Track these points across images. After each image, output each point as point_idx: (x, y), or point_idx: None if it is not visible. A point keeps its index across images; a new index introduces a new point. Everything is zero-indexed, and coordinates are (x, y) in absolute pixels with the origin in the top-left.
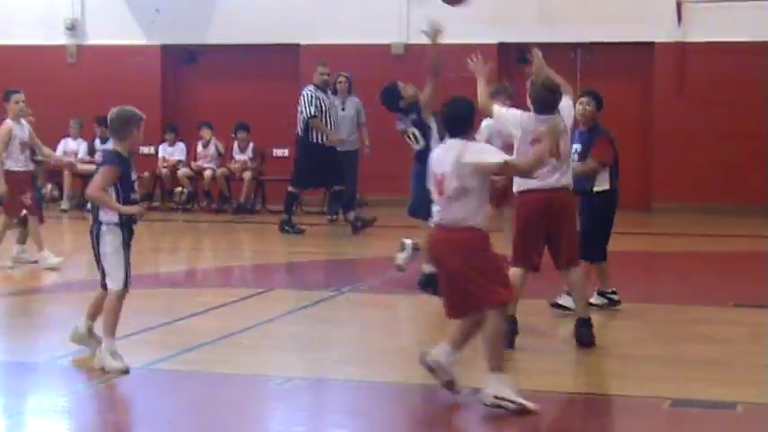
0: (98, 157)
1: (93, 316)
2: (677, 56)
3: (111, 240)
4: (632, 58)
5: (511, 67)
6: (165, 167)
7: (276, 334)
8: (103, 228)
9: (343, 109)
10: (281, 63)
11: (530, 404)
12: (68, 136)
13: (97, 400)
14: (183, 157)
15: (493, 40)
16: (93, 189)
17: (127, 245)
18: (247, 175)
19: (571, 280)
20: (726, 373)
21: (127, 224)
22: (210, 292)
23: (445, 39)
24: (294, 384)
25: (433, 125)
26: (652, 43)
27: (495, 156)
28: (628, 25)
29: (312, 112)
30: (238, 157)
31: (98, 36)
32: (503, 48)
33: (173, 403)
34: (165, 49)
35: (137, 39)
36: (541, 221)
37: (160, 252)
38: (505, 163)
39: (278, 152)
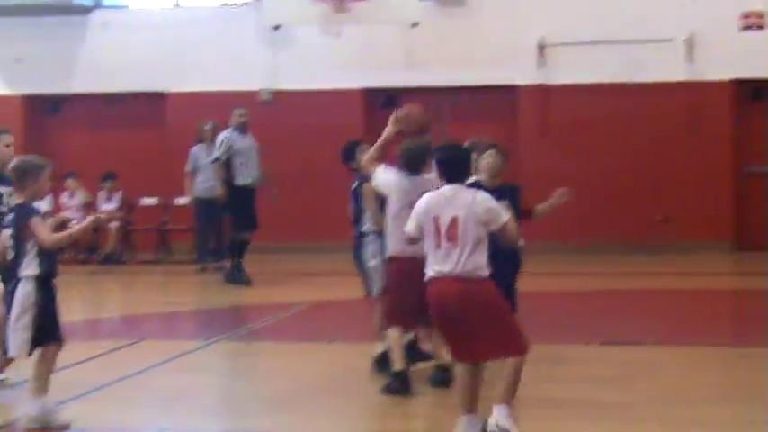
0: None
1: None
2: (540, 98)
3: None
4: (497, 102)
5: (376, 113)
6: None
7: (147, 386)
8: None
9: (209, 156)
10: (147, 111)
11: None
12: None
13: None
14: (48, 208)
15: (358, 85)
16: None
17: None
18: (114, 225)
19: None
20: (597, 410)
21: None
22: (80, 344)
23: (312, 84)
24: None
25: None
26: (515, 86)
27: (505, 213)
28: (492, 69)
29: (217, 156)
30: (105, 206)
31: None
32: (369, 93)
33: None
34: (28, 100)
35: None
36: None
37: None
38: (508, 222)
39: (146, 201)
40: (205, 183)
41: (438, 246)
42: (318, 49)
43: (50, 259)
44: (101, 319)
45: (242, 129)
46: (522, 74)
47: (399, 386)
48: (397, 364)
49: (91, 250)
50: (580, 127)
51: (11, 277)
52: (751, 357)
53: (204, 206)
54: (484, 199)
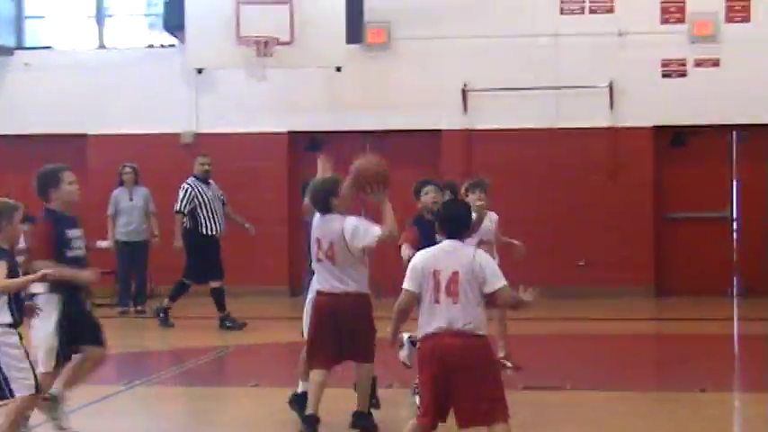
0: None
1: None
2: (463, 142)
3: None
4: (421, 146)
5: (301, 156)
6: None
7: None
8: None
9: (131, 199)
10: (68, 153)
11: None
12: None
13: None
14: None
15: (283, 128)
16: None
17: None
18: None
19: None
20: None
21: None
22: None
23: (236, 127)
24: None
25: None
26: (439, 131)
27: (500, 279)
28: (416, 113)
29: (180, 208)
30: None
31: None
32: (293, 136)
33: None
34: None
35: None
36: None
37: None
38: (501, 289)
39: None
40: (127, 226)
41: (437, 300)
42: (243, 93)
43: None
44: None
45: (205, 178)
46: (446, 118)
47: (308, 430)
48: (310, 407)
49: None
50: (503, 171)
51: None
52: (669, 402)
53: (126, 249)
54: (483, 258)
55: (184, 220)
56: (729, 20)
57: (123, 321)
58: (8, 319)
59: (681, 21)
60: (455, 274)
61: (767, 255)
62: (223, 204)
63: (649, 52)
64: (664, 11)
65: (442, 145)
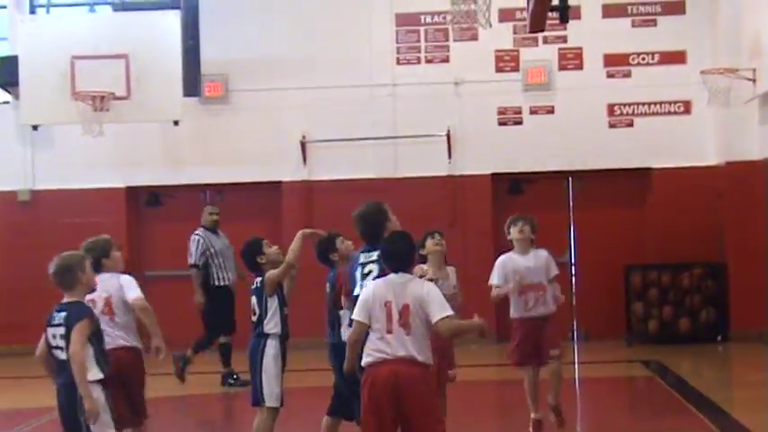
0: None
1: None
2: (304, 193)
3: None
4: (262, 198)
5: (141, 210)
6: None
7: None
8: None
9: None
10: None
11: None
12: None
13: None
14: None
15: (121, 183)
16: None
17: None
18: None
19: None
20: None
21: None
22: None
23: (73, 184)
24: None
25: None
26: (279, 183)
27: (446, 309)
28: (256, 165)
29: (194, 262)
30: None
31: None
32: (131, 191)
33: None
34: None
35: None
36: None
37: None
38: (443, 320)
39: None
40: None
41: (389, 331)
42: (79, 148)
43: None
44: None
45: (214, 228)
46: (286, 170)
47: None
48: None
49: None
50: (344, 222)
51: None
52: None
53: None
54: (432, 290)
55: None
56: (562, 67)
57: None
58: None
59: (515, 69)
60: (406, 306)
61: (607, 298)
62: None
63: (485, 100)
64: (498, 59)
65: (283, 197)
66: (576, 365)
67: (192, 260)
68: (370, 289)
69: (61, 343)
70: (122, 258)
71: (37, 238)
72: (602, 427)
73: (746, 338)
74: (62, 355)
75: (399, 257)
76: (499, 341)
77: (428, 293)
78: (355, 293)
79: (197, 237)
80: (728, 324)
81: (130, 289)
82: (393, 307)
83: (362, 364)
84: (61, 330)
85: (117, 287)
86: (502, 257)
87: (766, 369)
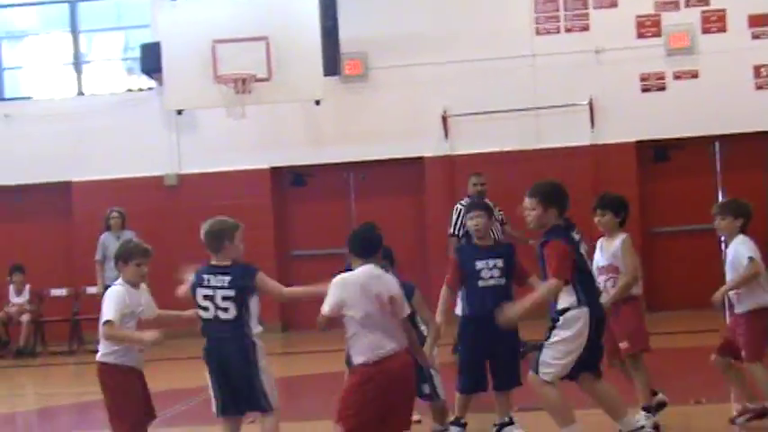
0: None
1: None
2: (446, 168)
3: None
4: (404, 174)
5: (286, 191)
6: None
7: None
8: None
9: (118, 240)
10: (53, 201)
11: None
12: None
13: None
14: None
15: (265, 164)
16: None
17: None
18: (25, 317)
19: None
20: None
21: None
22: None
23: (218, 167)
24: None
25: None
26: (422, 158)
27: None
28: (397, 142)
29: (451, 231)
30: (15, 300)
31: None
32: (275, 171)
33: None
34: None
35: None
36: None
37: None
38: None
39: (55, 292)
40: (115, 270)
41: (386, 323)
42: (223, 131)
43: None
44: (15, 414)
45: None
46: (428, 145)
47: None
48: None
49: (3, 345)
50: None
51: None
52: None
53: None
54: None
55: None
56: (705, 30)
57: None
58: None
59: (657, 34)
60: (392, 297)
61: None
62: None
63: (627, 67)
64: (639, 25)
65: (426, 172)
66: None
67: (450, 229)
68: (354, 281)
69: (226, 304)
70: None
71: (184, 221)
72: None
73: None
74: (225, 315)
75: (368, 246)
76: None
77: (398, 288)
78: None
79: (459, 207)
80: None
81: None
82: (383, 298)
83: (362, 361)
84: (229, 293)
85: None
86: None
87: None
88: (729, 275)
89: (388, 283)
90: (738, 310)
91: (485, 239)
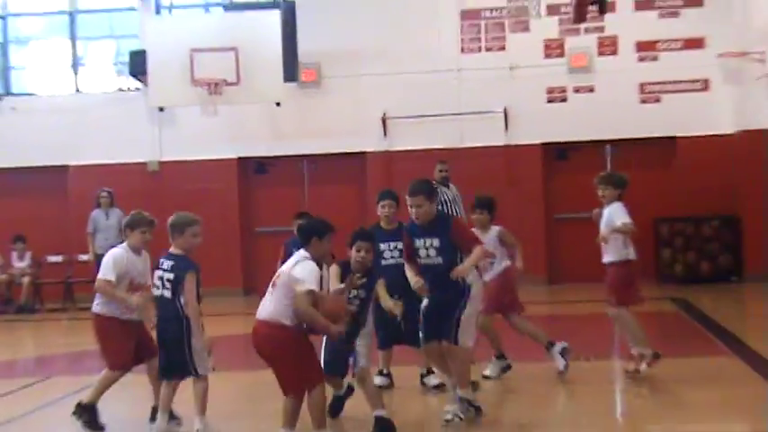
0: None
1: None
2: (384, 162)
3: None
4: (349, 165)
5: (249, 178)
6: None
7: (54, 417)
8: None
9: (107, 219)
10: (52, 182)
11: None
12: None
13: None
14: None
15: (233, 155)
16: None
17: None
18: (26, 280)
19: None
20: None
21: None
22: None
23: (194, 156)
24: None
25: None
26: (364, 153)
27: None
28: (344, 139)
29: None
30: (17, 264)
31: None
32: (241, 161)
33: None
34: None
35: None
36: None
37: None
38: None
39: (52, 259)
40: (104, 241)
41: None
42: (198, 126)
43: None
44: (16, 360)
45: (445, 182)
46: (370, 142)
47: None
48: None
49: (6, 302)
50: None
51: None
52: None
53: None
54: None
55: None
56: (600, 53)
57: None
58: None
59: (561, 55)
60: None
61: (639, 246)
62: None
63: (536, 82)
64: (546, 47)
65: (367, 165)
66: None
67: None
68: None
69: (167, 285)
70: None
71: (164, 201)
72: None
73: (757, 279)
74: (166, 294)
75: (305, 235)
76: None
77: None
78: None
79: None
80: (742, 267)
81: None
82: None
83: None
84: (169, 276)
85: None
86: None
87: None
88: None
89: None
90: (605, 260)
91: (392, 224)
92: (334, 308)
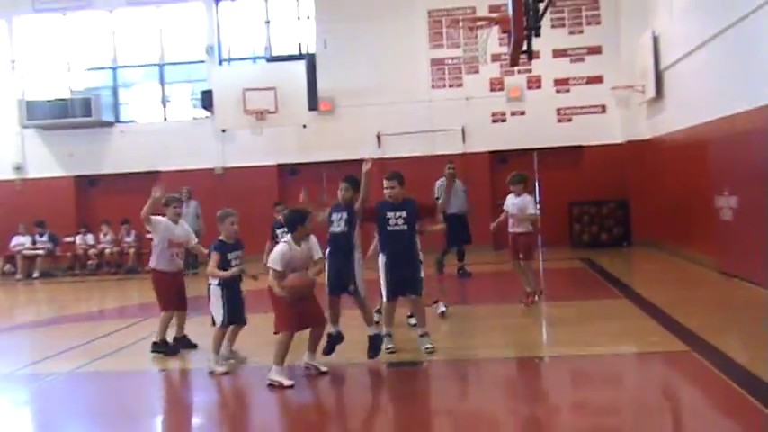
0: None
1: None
2: (379, 166)
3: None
4: (355, 169)
5: (285, 178)
6: (81, 249)
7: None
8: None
9: (187, 208)
10: (148, 182)
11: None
12: (18, 233)
13: (48, 394)
14: (92, 242)
15: (273, 162)
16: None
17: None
18: (132, 250)
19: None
20: None
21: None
22: (112, 321)
23: (246, 163)
24: (165, 373)
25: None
26: (364, 159)
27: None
28: (351, 150)
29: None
30: (126, 239)
31: (35, 172)
32: (280, 167)
33: (95, 392)
34: (76, 179)
35: (55, 173)
36: None
37: (80, 301)
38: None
39: (149, 235)
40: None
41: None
42: (249, 142)
43: None
44: (125, 306)
45: (453, 177)
46: (369, 152)
47: None
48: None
49: (118, 266)
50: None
51: None
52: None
53: None
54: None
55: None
56: (529, 87)
57: (186, 280)
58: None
59: (501, 89)
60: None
61: (559, 222)
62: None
63: (484, 108)
64: (491, 83)
65: None
66: (541, 261)
67: (435, 196)
68: (287, 250)
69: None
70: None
71: (226, 195)
72: (558, 292)
73: (641, 245)
74: None
75: (292, 224)
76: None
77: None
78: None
79: (440, 183)
80: (630, 236)
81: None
82: (299, 264)
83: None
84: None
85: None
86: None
87: (652, 262)
88: (516, 213)
89: None
90: (517, 230)
91: (396, 199)
92: (295, 281)
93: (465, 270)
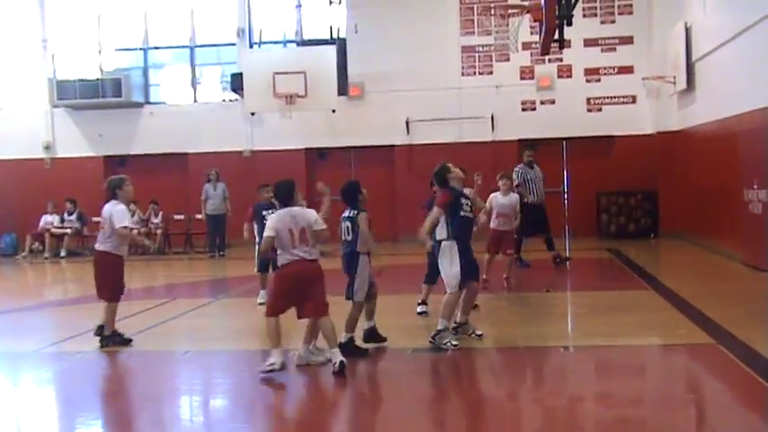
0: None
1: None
2: (408, 152)
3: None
4: (383, 154)
5: (314, 162)
6: None
7: (178, 326)
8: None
9: (215, 190)
10: (177, 164)
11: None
12: (47, 212)
13: (72, 374)
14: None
15: (302, 146)
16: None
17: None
18: (160, 231)
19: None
20: None
21: None
22: (139, 301)
23: (275, 146)
24: (191, 354)
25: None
26: (393, 145)
27: (320, 222)
28: (380, 135)
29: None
30: (153, 221)
31: (64, 152)
32: (308, 150)
33: (121, 372)
34: (106, 159)
35: (85, 152)
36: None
37: None
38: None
39: (177, 216)
40: (212, 206)
41: (293, 245)
42: (278, 126)
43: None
44: (153, 287)
45: (531, 164)
46: (397, 138)
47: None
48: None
49: (146, 247)
50: (432, 168)
51: None
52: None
53: (212, 220)
54: (311, 213)
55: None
56: (560, 76)
57: (211, 262)
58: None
59: (532, 78)
60: (303, 229)
61: (587, 212)
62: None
63: (514, 96)
64: (522, 72)
65: (395, 153)
66: (568, 251)
67: (516, 181)
68: (277, 217)
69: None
70: (132, 191)
71: (254, 178)
72: (584, 283)
73: (669, 236)
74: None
75: (284, 197)
76: None
77: (310, 214)
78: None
79: (518, 169)
80: (658, 227)
81: (120, 218)
82: (294, 230)
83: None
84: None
85: (112, 212)
86: (491, 194)
87: (680, 254)
88: (509, 212)
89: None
90: (504, 228)
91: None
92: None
93: (561, 257)
